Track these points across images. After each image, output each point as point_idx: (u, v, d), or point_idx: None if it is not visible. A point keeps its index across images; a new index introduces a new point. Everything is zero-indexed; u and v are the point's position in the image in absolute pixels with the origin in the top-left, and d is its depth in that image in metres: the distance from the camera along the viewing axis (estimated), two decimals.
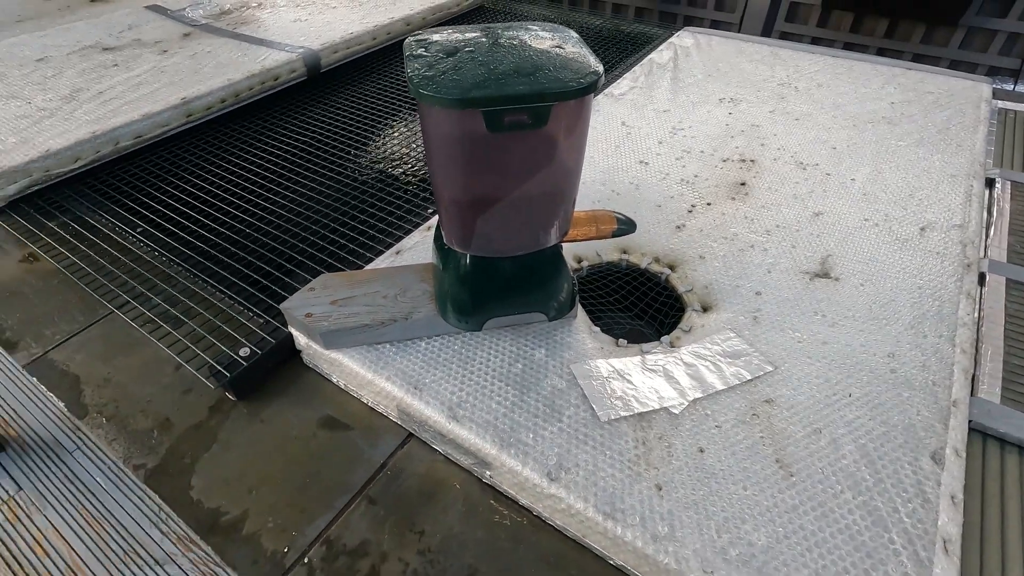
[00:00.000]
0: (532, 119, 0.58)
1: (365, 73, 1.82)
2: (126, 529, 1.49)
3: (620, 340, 0.88)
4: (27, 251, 1.16)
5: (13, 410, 1.82)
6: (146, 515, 1.52)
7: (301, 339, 0.87)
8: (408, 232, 1.11)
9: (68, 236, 1.18)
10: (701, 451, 0.71)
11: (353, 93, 1.69)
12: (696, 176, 1.25)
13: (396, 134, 1.49)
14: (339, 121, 1.55)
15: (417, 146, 1.43)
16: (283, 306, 0.85)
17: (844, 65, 1.68)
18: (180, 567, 1.41)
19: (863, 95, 1.52)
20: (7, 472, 1.65)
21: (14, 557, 1.43)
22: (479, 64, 0.60)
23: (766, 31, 3.05)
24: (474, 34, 0.68)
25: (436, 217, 1.10)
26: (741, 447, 0.71)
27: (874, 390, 0.78)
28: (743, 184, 1.23)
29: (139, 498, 1.58)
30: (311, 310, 0.84)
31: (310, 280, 0.93)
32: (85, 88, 1.49)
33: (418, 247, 1.04)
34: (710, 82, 1.63)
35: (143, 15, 2.00)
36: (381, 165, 1.35)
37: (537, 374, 0.80)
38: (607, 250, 1.06)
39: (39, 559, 1.43)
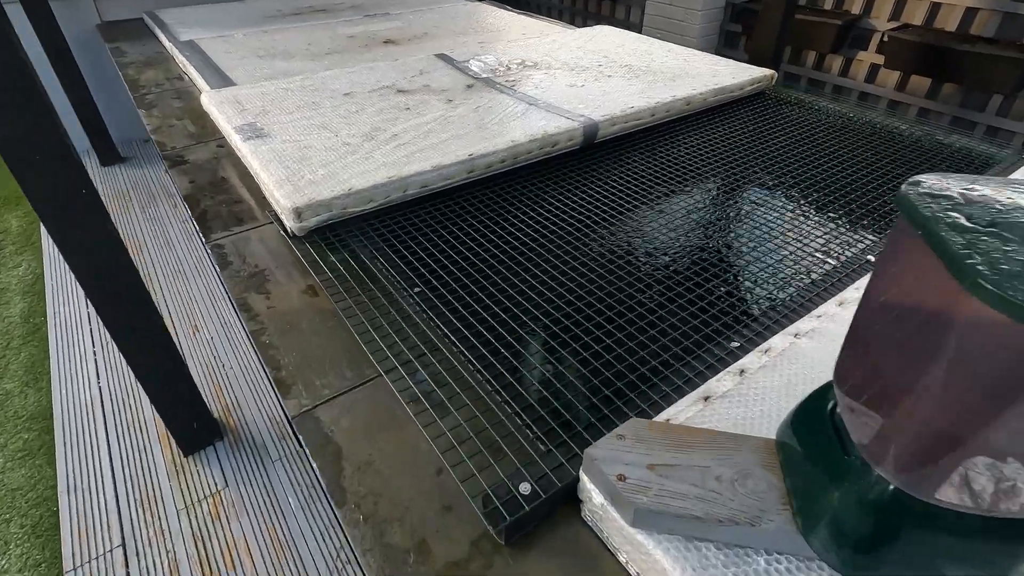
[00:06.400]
0: None
1: (632, 148, 1.70)
2: (304, 566, 1.46)
3: None
4: (309, 283, 1.18)
5: (237, 401, 1.96)
6: (324, 557, 1.48)
7: (595, 496, 0.70)
8: (712, 368, 0.91)
9: (346, 275, 1.18)
10: None
11: (625, 170, 1.57)
12: None
13: (684, 226, 1.32)
14: (612, 198, 1.43)
15: (711, 253, 1.24)
16: (589, 453, 0.69)
17: None
18: None
19: None
20: (219, 463, 1.75)
21: (208, 558, 1.47)
22: None
23: None
24: (1005, 195, 0.46)
25: (764, 367, 0.89)
26: None
27: None
28: None
29: (321, 532, 1.55)
30: (624, 470, 0.67)
31: (590, 397, 0.77)
32: (382, 128, 1.56)
33: (731, 399, 0.83)
34: None
35: (432, 62, 2.12)
36: (666, 264, 1.19)
37: None
38: None
39: (226, 570, 1.46)
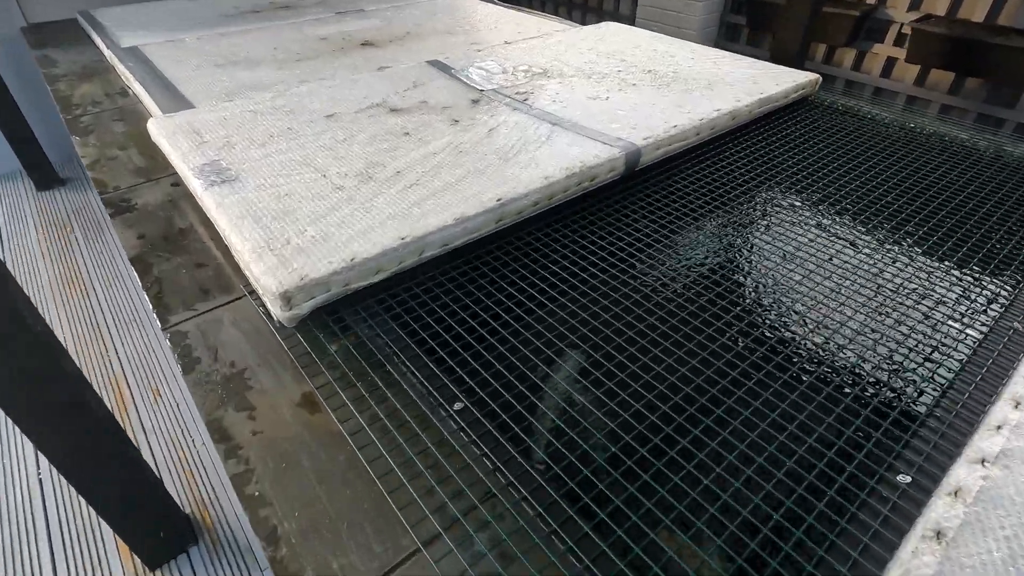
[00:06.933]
0: None
1: (670, 171, 1.44)
2: None
3: None
4: (305, 390, 0.89)
5: (213, 490, 1.65)
6: None
7: None
8: (889, 524, 0.66)
9: (353, 378, 0.89)
10: None
11: (670, 197, 1.31)
12: None
13: (765, 281, 1.07)
14: (659, 231, 1.17)
15: (820, 322, 0.98)
16: None
17: None
18: None
19: None
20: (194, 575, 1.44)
21: None
22: None
23: None
24: None
25: (967, 525, 0.64)
26: None
27: None
28: None
29: None
30: None
31: None
32: (380, 163, 1.26)
33: None
34: None
35: (426, 71, 1.82)
36: (771, 337, 0.93)
37: None
38: None
39: None
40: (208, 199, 1.12)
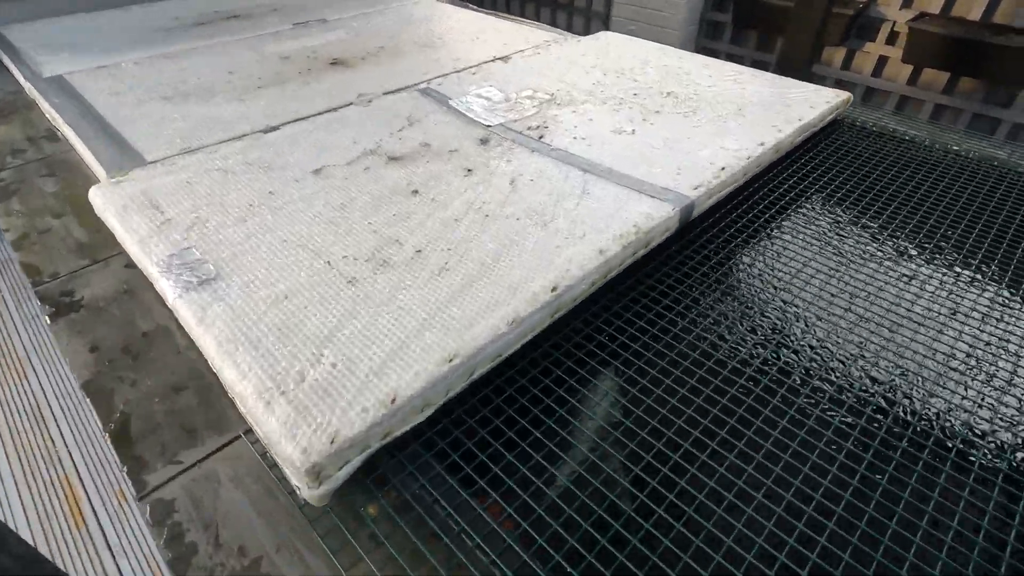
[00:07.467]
0: None
1: (716, 218, 1.27)
2: None
3: None
4: None
5: None
6: None
7: None
8: None
9: (400, 558, 0.68)
10: None
11: (725, 249, 1.14)
12: None
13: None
14: (706, 294, 1.00)
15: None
16: None
17: None
18: None
19: None
20: None
21: None
22: None
23: None
24: None
25: None
26: None
27: None
28: None
29: None
30: None
31: None
32: (394, 239, 1.03)
33: None
34: None
35: (419, 104, 1.58)
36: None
37: None
38: None
39: None
40: (185, 311, 0.87)
